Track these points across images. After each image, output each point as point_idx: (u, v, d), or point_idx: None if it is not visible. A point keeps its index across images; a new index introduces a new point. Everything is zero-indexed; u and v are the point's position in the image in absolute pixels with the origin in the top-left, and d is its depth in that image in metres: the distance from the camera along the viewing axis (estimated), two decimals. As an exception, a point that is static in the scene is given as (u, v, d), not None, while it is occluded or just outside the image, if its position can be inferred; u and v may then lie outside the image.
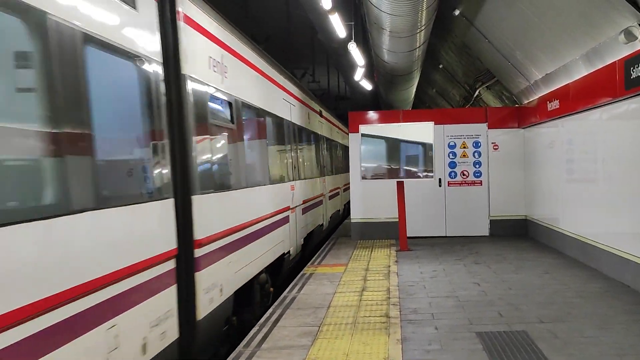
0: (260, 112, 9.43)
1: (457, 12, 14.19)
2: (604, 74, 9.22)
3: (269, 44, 21.03)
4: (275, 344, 6.53)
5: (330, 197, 17.79)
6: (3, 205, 3.48)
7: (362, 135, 13.07)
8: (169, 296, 5.64)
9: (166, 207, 5.66)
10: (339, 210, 20.44)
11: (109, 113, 4.88)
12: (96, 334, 4.27)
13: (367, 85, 25.07)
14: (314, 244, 14.72)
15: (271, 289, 9.63)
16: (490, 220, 14.73)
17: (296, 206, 12.01)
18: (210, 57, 7.08)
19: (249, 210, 8.39)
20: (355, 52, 16.45)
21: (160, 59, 5.74)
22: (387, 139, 13.06)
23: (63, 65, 3.99)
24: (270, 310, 8.06)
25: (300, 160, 13.10)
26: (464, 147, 14.84)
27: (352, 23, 16.23)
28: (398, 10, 10.92)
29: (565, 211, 11.64)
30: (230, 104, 7.78)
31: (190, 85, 6.30)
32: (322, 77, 29.57)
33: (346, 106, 33.32)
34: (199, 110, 6.51)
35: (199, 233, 6.17)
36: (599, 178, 9.91)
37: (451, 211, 14.80)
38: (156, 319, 5.32)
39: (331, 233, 18.28)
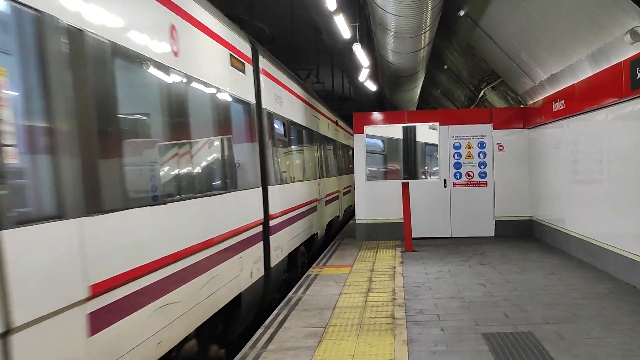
0: (300, 127, 12.87)
1: (462, 13, 14.18)
2: (609, 74, 9.20)
3: (274, 44, 21.02)
4: (281, 345, 6.53)
5: (344, 194, 20.79)
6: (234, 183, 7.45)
7: (367, 136, 13.08)
8: (260, 247, 8.79)
9: (259, 192, 8.88)
10: (351, 205, 22.86)
11: (244, 136, 8.54)
12: (237, 257, 7.54)
13: (372, 86, 25.07)
14: (333, 231, 17.79)
15: (305, 260, 12.83)
16: (496, 221, 14.71)
17: (321, 199, 15.01)
18: (275, 94, 10.45)
19: (295, 199, 11.55)
20: (359, 53, 16.45)
21: (254, 100, 8.97)
22: (392, 140, 13.09)
23: (225, 110, 7.54)
24: (275, 311, 8.07)
25: (324, 161, 16.15)
26: (469, 148, 14.82)
27: (357, 24, 16.22)
28: (403, 11, 10.92)
29: (570, 212, 11.61)
30: (284, 123, 11.13)
31: (266, 115, 9.59)
32: (326, 78, 29.56)
33: (350, 107, 33.32)
34: (270, 130, 9.77)
35: (271, 210, 9.41)
36: (604, 179, 9.89)
37: (456, 212, 14.77)
38: (255, 259, 8.47)
39: (346, 223, 20.94)
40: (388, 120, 15.09)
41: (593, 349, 6.09)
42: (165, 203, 5.40)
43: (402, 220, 13.13)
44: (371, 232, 14.94)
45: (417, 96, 26.67)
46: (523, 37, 12.46)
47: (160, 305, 5.12)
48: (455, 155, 14.81)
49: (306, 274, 10.73)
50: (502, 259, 11.53)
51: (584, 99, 10.42)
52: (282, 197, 10.29)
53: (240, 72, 8.21)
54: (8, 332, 3.15)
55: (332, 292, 9.04)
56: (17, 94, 3.53)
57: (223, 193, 7.11)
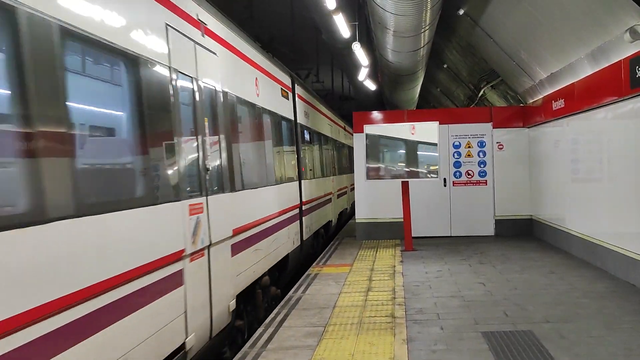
0: (320, 134, 16.19)
1: (461, 12, 14.17)
2: (609, 72, 9.19)
3: (274, 44, 21.00)
4: (281, 345, 6.53)
5: (351, 190, 23.06)
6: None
7: (367, 135, 13.05)
8: (297, 224, 11.76)
9: (297, 184, 11.99)
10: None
11: (289, 143, 11.64)
12: (286, 229, 10.49)
13: (371, 86, 25.07)
14: (343, 221, 20.81)
15: (323, 241, 15.85)
16: (496, 220, 14.70)
17: (334, 192, 17.92)
18: (304, 110, 13.66)
19: (318, 191, 14.60)
20: (359, 52, 16.44)
21: (293, 118, 12.15)
22: (391, 139, 13.08)
23: (281, 127, 10.81)
24: (275, 310, 8.06)
25: (335, 161, 19.13)
26: (469, 147, 14.81)
27: (356, 23, 16.21)
28: (402, 10, 10.91)
29: (570, 211, 11.60)
30: (310, 133, 14.30)
31: (299, 127, 12.79)
32: (326, 78, 29.55)
33: (350, 106, 33.31)
34: (302, 138, 12.93)
35: (303, 198, 12.44)
36: (604, 177, 9.88)
37: (456, 211, 14.76)
38: (295, 232, 11.49)
39: (352, 215, 22.24)
40: (388, 120, 15.08)
41: (594, 347, 6.08)
42: (260, 187, 8.79)
43: (402, 220, 13.12)
44: (371, 231, 14.93)
45: (417, 95, 26.66)
46: (523, 36, 12.45)
47: (255, 249, 8.27)
48: (455, 154, 14.80)
49: (306, 273, 10.72)
50: (502, 258, 11.52)
51: (583, 97, 10.41)
52: (310, 188, 13.41)
53: (286, 99, 11.55)
54: (210, 245, 6.34)
55: (332, 292, 9.03)
56: (208, 129, 6.63)
57: (284, 182, 10.64)
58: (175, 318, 5.39)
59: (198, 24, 6.58)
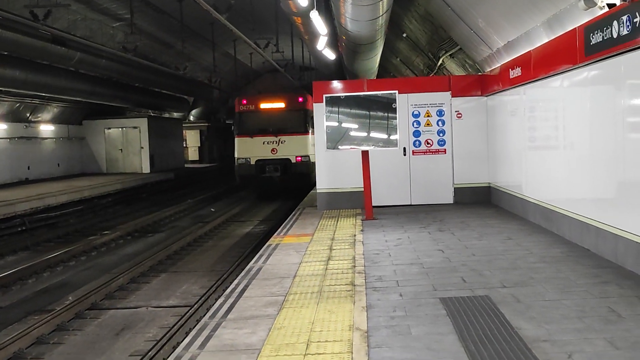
0: None
1: (420, -20, 14.12)
2: (564, 40, 9.27)
3: (232, 13, 20.68)
4: (241, 314, 6.52)
5: None
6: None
7: (326, 104, 12.98)
8: None
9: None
10: None
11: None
12: None
13: (331, 55, 24.91)
14: None
15: None
16: (455, 188, 14.84)
17: None
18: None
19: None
20: (317, 20, 16.29)
21: None
22: (351, 108, 13.01)
23: None
24: (235, 281, 8.04)
25: None
26: (428, 116, 14.86)
27: (315, -9, 16.02)
28: (360, -23, 10.82)
29: (527, 178, 11.78)
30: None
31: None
32: (286, 48, 29.29)
33: (311, 77, 33.17)
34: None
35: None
36: (560, 145, 10.03)
37: (416, 180, 14.86)
38: None
39: None
40: (347, 89, 15.01)
41: (548, 310, 6.21)
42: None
43: (362, 189, 13.17)
44: (332, 201, 14.95)
45: (377, 65, 26.65)
46: (480, 4, 12.47)
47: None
48: (415, 123, 14.84)
49: (267, 244, 10.71)
50: (460, 225, 11.66)
51: (539, 65, 10.51)
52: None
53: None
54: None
55: (292, 261, 9.05)
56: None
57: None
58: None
59: None
